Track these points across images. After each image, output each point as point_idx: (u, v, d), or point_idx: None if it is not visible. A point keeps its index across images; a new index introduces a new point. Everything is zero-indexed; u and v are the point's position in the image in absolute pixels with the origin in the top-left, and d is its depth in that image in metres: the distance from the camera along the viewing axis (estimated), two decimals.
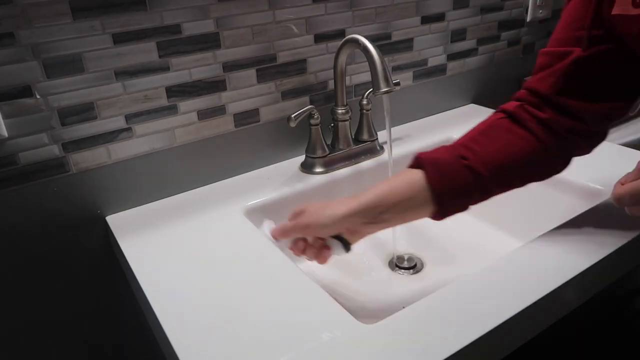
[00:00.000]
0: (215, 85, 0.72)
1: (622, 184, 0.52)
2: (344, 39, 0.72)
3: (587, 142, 0.56)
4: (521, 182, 0.56)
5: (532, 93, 0.55)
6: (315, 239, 0.58)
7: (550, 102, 0.53)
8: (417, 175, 0.52)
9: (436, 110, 1.01)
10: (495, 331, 0.46)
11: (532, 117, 0.54)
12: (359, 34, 0.68)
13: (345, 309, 0.50)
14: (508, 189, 0.55)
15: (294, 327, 0.48)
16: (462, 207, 0.54)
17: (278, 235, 0.58)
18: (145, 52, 0.65)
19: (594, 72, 0.51)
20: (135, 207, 0.72)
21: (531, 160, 0.53)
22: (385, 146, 0.86)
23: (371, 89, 0.76)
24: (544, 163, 0.55)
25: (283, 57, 0.77)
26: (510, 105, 0.56)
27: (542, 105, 0.53)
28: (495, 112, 0.57)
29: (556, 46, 0.54)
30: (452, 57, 0.97)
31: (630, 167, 0.53)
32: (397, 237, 0.76)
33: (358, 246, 0.58)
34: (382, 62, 0.65)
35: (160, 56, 0.67)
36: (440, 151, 0.54)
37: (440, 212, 0.53)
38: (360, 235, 0.57)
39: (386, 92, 0.65)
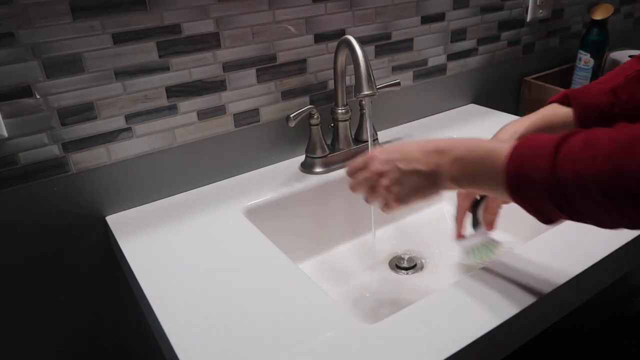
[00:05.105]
0: (215, 85, 0.72)
1: None
2: (339, 40, 0.72)
3: None
4: None
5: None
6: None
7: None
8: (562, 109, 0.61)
9: (436, 110, 1.01)
10: (495, 331, 0.46)
11: None
12: (358, 34, 0.68)
13: (345, 309, 0.50)
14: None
15: (293, 326, 0.48)
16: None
17: None
18: (145, 52, 0.65)
19: None
20: (135, 207, 0.72)
21: None
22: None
23: None
24: None
25: (283, 57, 0.77)
26: None
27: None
28: None
29: None
30: (452, 57, 0.97)
31: None
32: (397, 237, 0.76)
33: (358, 246, 0.58)
34: (367, 65, 0.65)
35: (160, 56, 0.67)
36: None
37: None
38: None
39: (368, 96, 0.65)
